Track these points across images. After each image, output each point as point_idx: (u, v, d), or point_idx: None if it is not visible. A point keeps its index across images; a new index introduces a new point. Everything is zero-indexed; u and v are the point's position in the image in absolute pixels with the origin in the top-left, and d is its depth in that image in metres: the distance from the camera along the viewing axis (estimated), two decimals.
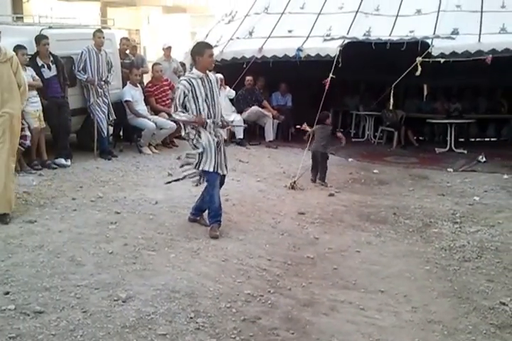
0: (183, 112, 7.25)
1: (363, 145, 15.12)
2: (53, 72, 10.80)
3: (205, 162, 7.32)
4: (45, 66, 10.72)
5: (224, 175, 7.65)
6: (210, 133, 7.31)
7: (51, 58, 10.80)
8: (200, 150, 7.30)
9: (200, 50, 7.31)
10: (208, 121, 7.26)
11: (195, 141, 7.37)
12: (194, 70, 7.37)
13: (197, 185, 7.79)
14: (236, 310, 5.36)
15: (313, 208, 8.88)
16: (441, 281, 6.34)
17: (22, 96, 7.87)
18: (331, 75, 11.64)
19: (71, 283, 5.67)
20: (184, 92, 7.19)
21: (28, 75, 10.29)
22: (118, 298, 5.37)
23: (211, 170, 7.33)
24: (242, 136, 13.96)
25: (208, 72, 7.41)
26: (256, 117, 14.45)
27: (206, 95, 7.26)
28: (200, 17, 31.18)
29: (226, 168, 7.60)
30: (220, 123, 7.48)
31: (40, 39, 10.60)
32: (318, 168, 10.58)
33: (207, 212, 7.59)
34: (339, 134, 11.10)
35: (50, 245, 6.66)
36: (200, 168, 7.36)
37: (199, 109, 7.24)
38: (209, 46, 7.50)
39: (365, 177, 11.28)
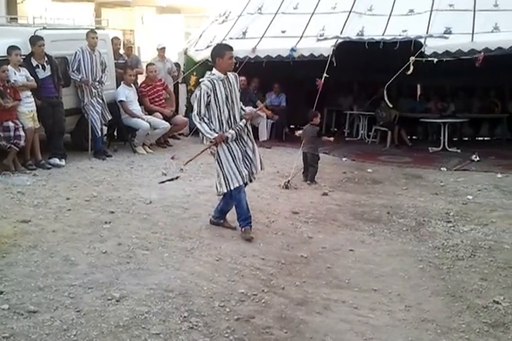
0: (206, 122, 7.17)
1: (356, 145, 15.13)
2: (48, 72, 10.81)
3: (231, 180, 7.30)
4: (40, 66, 10.73)
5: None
6: (231, 141, 7.27)
7: (45, 58, 10.80)
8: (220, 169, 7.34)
9: (221, 52, 7.21)
10: (228, 135, 7.20)
11: (216, 156, 7.37)
12: (215, 71, 7.24)
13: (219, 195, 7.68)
14: (230, 309, 5.37)
15: (306, 207, 8.89)
16: (435, 280, 6.36)
17: None
18: (324, 75, 11.66)
19: (65, 283, 5.67)
20: (207, 92, 7.10)
21: (22, 76, 10.32)
22: (112, 298, 5.38)
23: (236, 185, 7.32)
24: None
25: (228, 72, 7.32)
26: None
27: (226, 97, 7.18)
28: (194, 17, 31.11)
29: (255, 168, 7.57)
30: (243, 124, 7.38)
31: (36, 40, 10.59)
32: (308, 169, 10.60)
33: (236, 215, 7.54)
34: (324, 138, 11.06)
35: (44, 245, 6.67)
36: (230, 189, 7.35)
37: (220, 111, 7.18)
38: (230, 48, 7.34)
39: (358, 176, 11.29)
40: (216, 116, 7.20)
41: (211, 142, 7.33)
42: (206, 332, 4.91)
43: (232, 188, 7.33)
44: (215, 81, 7.16)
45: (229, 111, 7.23)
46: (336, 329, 5.17)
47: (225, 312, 5.31)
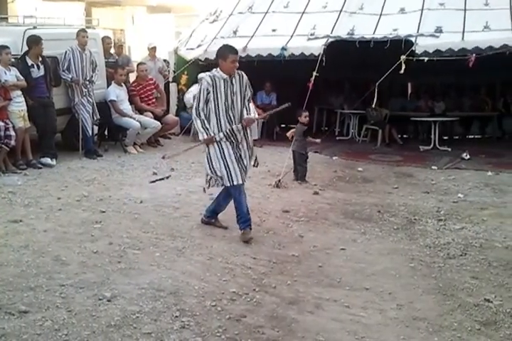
0: (203, 119, 7.14)
1: (347, 144, 15.13)
2: (41, 72, 10.80)
3: (226, 177, 7.26)
4: (35, 66, 10.71)
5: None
6: (224, 140, 7.19)
7: (40, 58, 10.78)
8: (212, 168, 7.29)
9: (224, 55, 7.14)
10: (217, 138, 7.14)
11: (206, 154, 7.33)
12: (218, 70, 7.19)
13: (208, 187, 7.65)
14: (221, 309, 5.36)
15: (297, 206, 8.89)
16: (426, 278, 6.37)
17: None
18: (314, 74, 11.67)
19: (56, 283, 5.66)
20: (207, 89, 7.06)
21: (12, 75, 10.28)
22: (103, 297, 5.37)
23: (228, 184, 7.29)
24: None
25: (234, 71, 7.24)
26: None
27: (226, 97, 7.11)
28: (184, 17, 31.06)
29: (246, 170, 7.47)
30: (240, 126, 7.23)
31: (39, 40, 10.59)
32: (297, 168, 10.59)
33: (236, 217, 7.46)
34: (310, 139, 10.99)
35: (35, 245, 6.64)
36: (225, 185, 7.34)
37: (218, 109, 7.13)
38: (233, 51, 7.21)
39: (349, 175, 11.29)
40: (214, 112, 7.14)
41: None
42: (198, 332, 4.91)
43: (225, 185, 7.32)
44: (216, 78, 7.11)
45: (226, 111, 7.16)
46: (328, 328, 5.16)
47: (217, 312, 5.30)
